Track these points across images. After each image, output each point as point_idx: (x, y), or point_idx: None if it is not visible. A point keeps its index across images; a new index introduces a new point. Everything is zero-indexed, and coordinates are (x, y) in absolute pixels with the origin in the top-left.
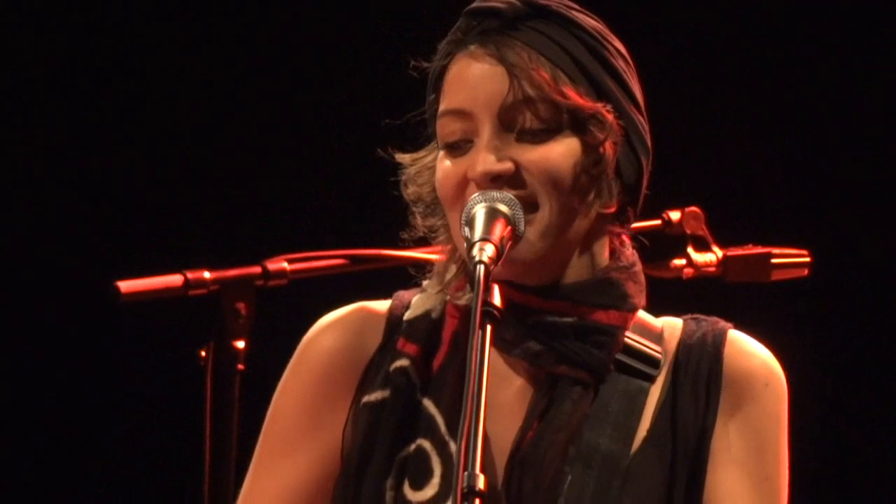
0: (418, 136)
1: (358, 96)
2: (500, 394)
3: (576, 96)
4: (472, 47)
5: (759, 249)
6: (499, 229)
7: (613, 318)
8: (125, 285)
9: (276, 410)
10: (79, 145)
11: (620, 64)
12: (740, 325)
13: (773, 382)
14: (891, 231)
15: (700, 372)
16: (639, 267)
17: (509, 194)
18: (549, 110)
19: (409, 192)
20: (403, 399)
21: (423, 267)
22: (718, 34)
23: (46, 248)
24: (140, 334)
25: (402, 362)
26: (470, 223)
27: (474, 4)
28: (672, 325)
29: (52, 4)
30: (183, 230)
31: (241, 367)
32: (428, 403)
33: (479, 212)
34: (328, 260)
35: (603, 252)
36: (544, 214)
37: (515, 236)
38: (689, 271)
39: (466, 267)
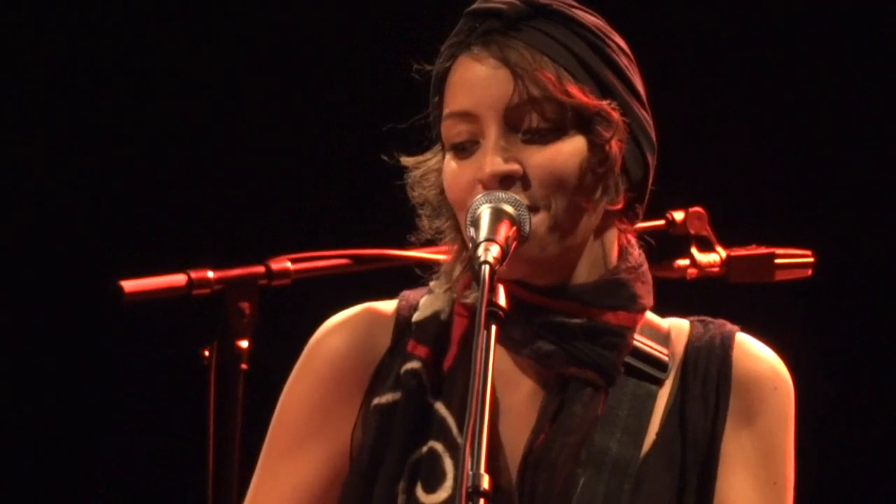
0: (423, 138)
1: (361, 97)
2: (509, 396)
3: (580, 95)
4: (474, 49)
5: (763, 250)
6: (504, 229)
7: (623, 319)
8: (129, 285)
9: (283, 411)
10: (82, 145)
11: (623, 60)
12: (744, 326)
13: (781, 386)
14: (894, 231)
15: (709, 375)
16: (646, 267)
17: (514, 195)
18: (553, 110)
19: (416, 194)
20: (415, 401)
21: (428, 267)
22: (721, 33)
23: (50, 247)
24: (143, 334)
25: (413, 364)
26: (475, 223)
27: (475, 5)
28: (679, 327)
29: (57, 3)
30: (187, 230)
31: (244, 366)
32: (439, 405)
33: (484, 212)
34: (331, 260)
35: (612, 251)
36: (552, 215)
37: (521, 237)
38: (692, 272)
39: (473, 266)
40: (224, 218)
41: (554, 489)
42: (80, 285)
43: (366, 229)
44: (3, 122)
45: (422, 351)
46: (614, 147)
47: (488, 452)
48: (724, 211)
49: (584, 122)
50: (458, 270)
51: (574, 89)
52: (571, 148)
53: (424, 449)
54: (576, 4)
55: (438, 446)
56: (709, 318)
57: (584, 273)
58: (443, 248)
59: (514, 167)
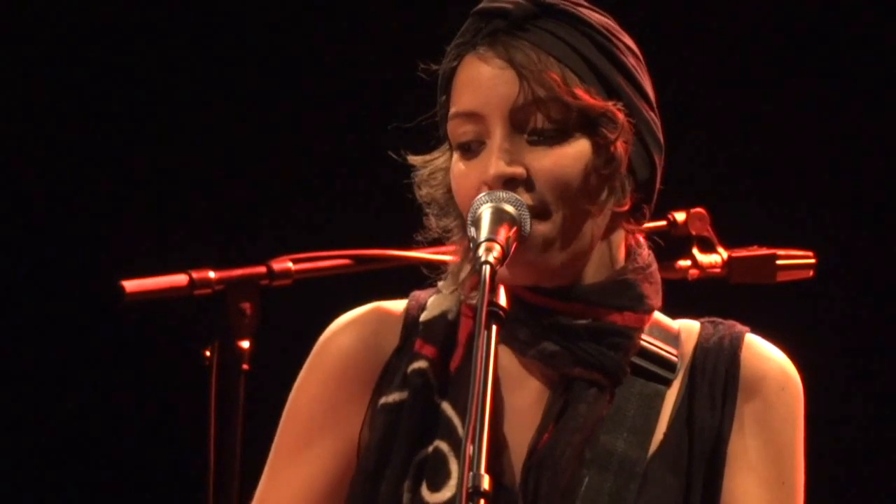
0: (429, 137)
1: (365, 96)
2: (515, 396)
3: (586, 96)
4: (480, 49)
5: (764, 251)
6: (504, 230)
7: (629, 319)
8: (130, 285)
9: (292, 409)
10: (84, 145)
11: (630, 60)
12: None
13: (789, 386)
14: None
15: (717, 376)
16: (655, 267)
17: (515, 195)
18: (559, 111)
19: (423, 193)
20: (421, 401)
21: (435, 267)
22: (725, 34)
23: (52, 247)
24: (145, 334)
25: (420, 364)
26: (476, 223)
27: (482, 5)
28: (689, 328)
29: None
30: (188, 230)
31: (245, 366)
32: (445, 405)
33: (485, 212)
34: (333, 260)
35: (619, 251)
36: (558, 219)
37: (521, 237)
38: (694, 272)
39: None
40: (226, 218)
41: (558, 488)
42: (81, 285)
43: (367, 229)
44: (6, 122)
45: (429, 350)
46: (619, 148)
47: (493, 452)
48: (725, 212)
49: (589, 123)
50: (465, 271)
51: (580, 90)
52: (577, 150)
53: (430, 448)
54: (583, 3)
55: (444, 446)
56: (719, 320)
57: (591, 274)
58: (446, 249)
59: (519, 170)
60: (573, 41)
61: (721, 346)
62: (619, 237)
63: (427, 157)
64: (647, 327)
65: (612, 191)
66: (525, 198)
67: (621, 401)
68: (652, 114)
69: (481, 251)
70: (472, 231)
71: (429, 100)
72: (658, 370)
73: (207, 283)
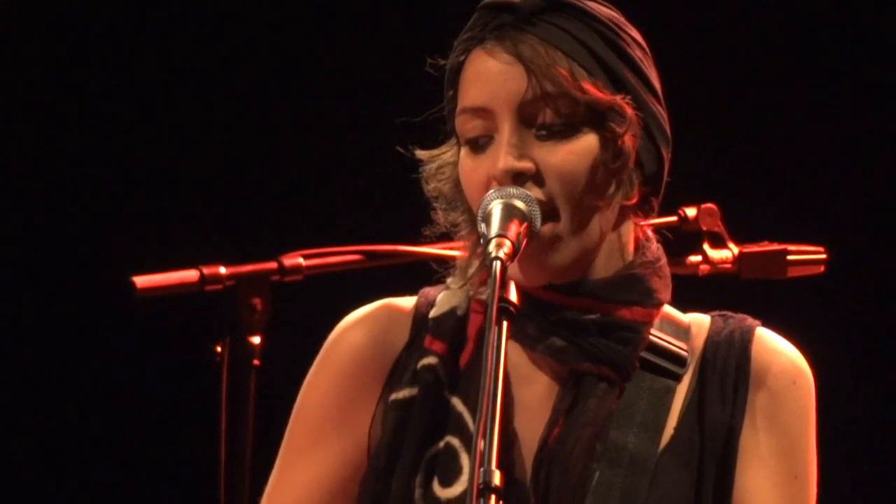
0: (437, 132)
1: (374, 92)
2: (524, 391)
3: (594, 90)
4: (488, 43)
5: (775, 246)
6: (515, 225)
7: (638, 314)
8: (141, 280)
9: (302, 406)
10: (94, 141)
11: (637, 53)
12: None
13: (800, 380)
14: None
15: (728, 370)
16: (664, 261)
17: (525, 191)
18: (567, 105)
19: (431, 187)
20: (432, 397)
21: (444, 263)
22: (735, 28)
23: (63, 243)
24: (155, 329)
25: (430, 360)
26: (486, 219)
27: None
28: (699, 322)
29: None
30: (199, 226)
31: (256, 362)
32: (456, 401)
33: (496, 208)
34: (344, 255)
35: (628, 245)
36: (567, 215)
37: (531, 232)
38: (704, 268)
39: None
40: (236, 214)
41: (569, 483)
42: (92, 281)
43: (378, 225)
44: (17, 119)
45: (438, 346)
46: (627, 142)
47: (503, 447)
48: (736, 207)
49: (597, 117)
50: (473, 266)
51: (588, 85)
52: (585, 145)
53: (441, 444)
54: None
55: (455, 441)
56: (730, 313)
57: (600, 268)
58: (456, 244)
59: (528, 165)
60: (580, 35)
61: (732, 340)
62: (628, 231)
63: (435, 152)
64: (656, 321)
65: (619, 184)
66: (534, 192)
67: (631, 396)
68: (659, 107)
69: (492, 247)
70: (483, 227)
71: (437, 95)
72: (668, 365)
73: (218, 278)
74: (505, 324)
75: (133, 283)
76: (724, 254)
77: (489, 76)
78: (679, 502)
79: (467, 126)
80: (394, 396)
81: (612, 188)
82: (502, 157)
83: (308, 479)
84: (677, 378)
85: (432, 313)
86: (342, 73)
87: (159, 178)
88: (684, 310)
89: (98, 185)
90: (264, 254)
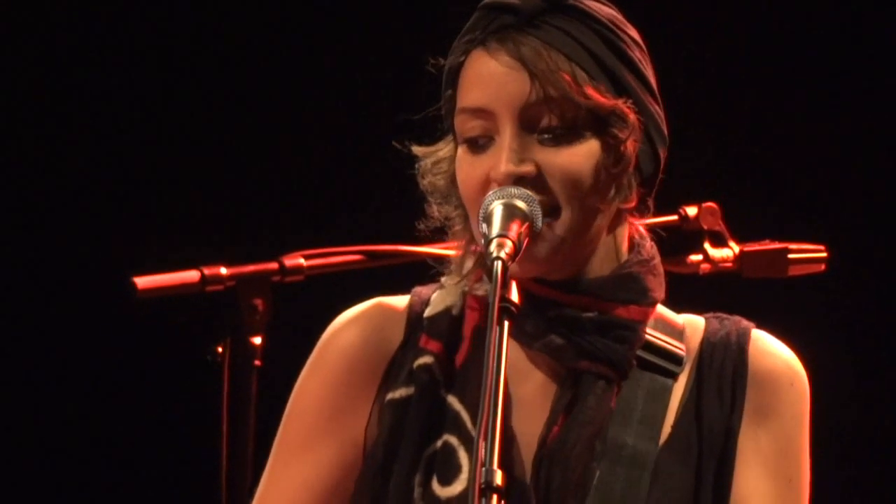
0: (435, 130)
1: (374, 91)
2: (521, 389)
3: (597, 95)
4: (490, 44)
5: (776, 245)
6: (516, 225)
7: (634, 312)
8: (142, 281)
9: (295, 406)
10: (95, 141)
11: (637, 54)
12: (759, 323)
13: (797, 383)
14: None
15: (725, 370)
16: (658, 260)
17: (527, 191)
18: (570, 110)
19: (426, 182)
20: (428, 396)
21: (441, 261)
22: (735, 27)
23: (63, 244)
24: (156, 330)
25: (426, 359)
26: (487, 219)
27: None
28: (694, 323)
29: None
30: (199, 226)
31: (257, 363)
32: (452, 400)
33: (497, 208)
34: (345, 256)
35: (623, 244)
36: (566, 218)
37: (533, 232)
38: (705, 267)
39: (483, 260)
40: (237, 214)
41: (570, 482)
42: (92, 281)
43: (379, 225)
44: (17, 119)
45: (434, 346)
46: (629, 147)
47: (501, 446)
48: (737, 206)
49: (598, 121)
50: (468, 263)
51: (590, 90)
52: (587, 150)
53: (439, 443)
54: None
55: (453, 440)
56: (724, 315)
57: (596, 267)
58: (456, 244)
59: (529, 169)
60: (582, 38)
61: (728, 342)
62: (624, 230)
63: (431, 149)
64: (651, 321)
65: (619, 188)
66: (535, 196)
67: (629, 395)
68: (657, 107)
69: (493, 247)
70: (484, 227)
71: (437, 94)
72: (665, 364)
73: (219, 279)
74: (507, 324)
75: (134, 284)
76: (725, 252)
77: (491, 78)
78: (679, 500)
79: (467, 126)
80: (390, 396)
81: (612, 192)
82: (504, 161)
83: (302, 479)
84: (674, 377)
85: (427, 312)
86: (342, 73)
87: (159, 178)
88: (680, 310)
89: (98, 185)
90: (265, 254)
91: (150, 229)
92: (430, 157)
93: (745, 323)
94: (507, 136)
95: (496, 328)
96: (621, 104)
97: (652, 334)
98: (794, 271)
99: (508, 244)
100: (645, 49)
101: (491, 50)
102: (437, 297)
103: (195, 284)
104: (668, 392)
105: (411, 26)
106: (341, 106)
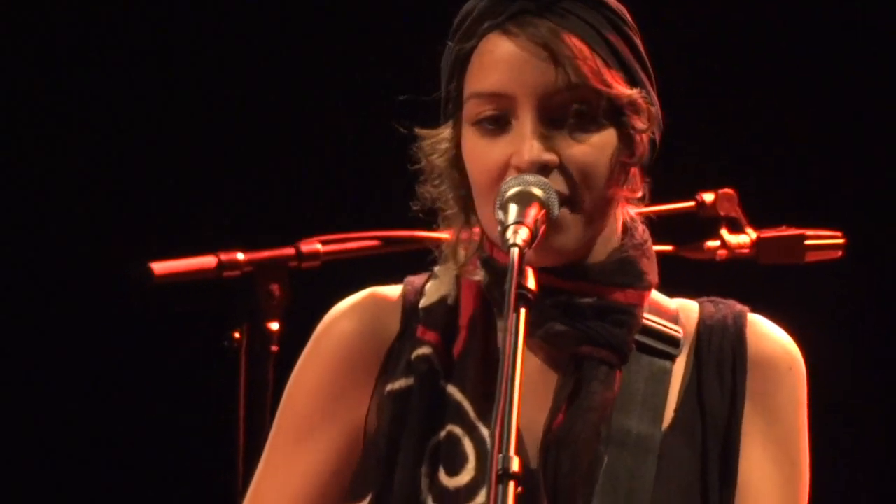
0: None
1: (389, 76)
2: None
3: (616, 84)
4: (510, 28)
5: (793, 231)
6: (533, 212)
7: (631, 296)
8: (158, 267)
9: (291, 396)
10: (111, 127)
11: (638, 41)
12: (761, 307)
13: (795, 367)
14: None
15: (724, 354)
16: (651, 244)
17: (544, 178)
18: (591, 98)
19: (424, 162)
20: (428, 386)
21: (431, 251)
22: (754, 11)
23: (80, 230)
24: (173, 316)
25: (424, 350)
26: (504, 206)
27: None
28: (687, 307)
29: None
30: (216, 211)
31: (274, 348)
32: (453, 390)
33: (514, 195)
34: (361, 241)
35: (618, 229)
36: (583, 207)
37: (549, 220)
38: (722, 253)
39: (479, 248)
40: (253, 199)
41: (579, 468)
42: (110, 268)
43: (394, 210)
44: (31, 108)
45: (431, 336)
46: (644, 138)
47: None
48: (753, 192)
49: (615, 111)
50: (462, 251)
51: (610, 78)
52: (605, 139)
53: (443, 433)
54: None
55: (457, 429)
56: (719, 299)
57: (595, 252)
58: (472, 231)
59: (553, 157)
60: (598, 25)
61: (725, 325)
62: (619, 214)
63: (434, 131)
64: (646, 305)
65: (627, 178)
66: (554, 183)
67: (629, 379)
68: (654, 94)
69: (509, 233)
70: (501, 214)
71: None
72: (662, 346)
73: (236, 264)
74: (523, 311)
75: (151, 270)
76: (742, 239)
77: (512, 62)
78: (686, 482)
79: (479, 108)
80: (389, 387)
81: (622, 181)
82: (528, 146)
83: (298, 472)
84: (672, 359)
85: (422, 303)
86: (352, 58)
87: (177, 164)
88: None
89: (115, 171)
90: (282, 239)
91: (167, 215)
92: (432, 137)
93: (739, 307)
94: (527, 121)
95: (513, 315)
96: (637, 95)
97: (648, 318)
98: (811, 257)
99: (525, 231)
100: (638, 32)
101: (510, 34)
102: (432, 287)
103: (212, 270)
104: (667, 375)
105: (423, 10)
106: (359, 91)
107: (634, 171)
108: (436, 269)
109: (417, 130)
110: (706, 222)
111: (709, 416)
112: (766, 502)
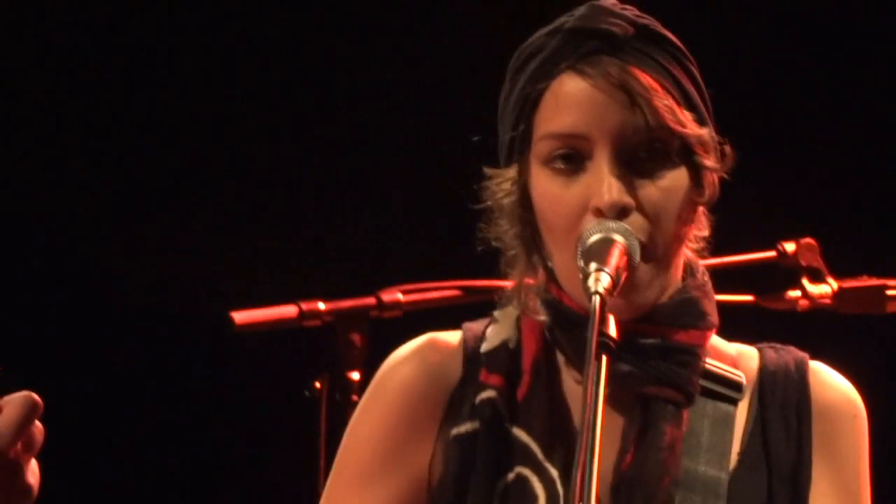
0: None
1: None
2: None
3: (689, 123)
4: (583, 68)
5: (874, 281)
6: (615, 259)
7: (694, 337)
8: (240, 316)
9: (352, 443)
10: (198, 177)
11: (699, 75)
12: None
13: (859, 416)
14: None
15: (788, 400)
16: (710, 285)
17: (625, 225)
18: (665, 138)
19: (489, 201)
20: (494, 429)
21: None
22: (837, 58)
23: (163, 279)
24: (254, 365)
25: (489, 393)
26: (586, 253)
27: (576, 23)
28: (747, 352)
29: None
30: (297, 261)
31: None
32: (519, 433)
33: (596, 241)
34: (442, 291)
35: (680, 269)
36: (660, 251)
37: (631, 266)
38: (804, 303)
39: (544, 289)
40: (335, 249)
41: None
42: (191, 316)
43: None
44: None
45: (495, 380)
46: (714, 177)
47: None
48: (833, 241)
49: (687, 151)
50: (525, 292)
51: (682, 117)
52: (678, 180)
53: (511, 475)
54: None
55: (526, 471)
56: (778, 344)
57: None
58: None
59: (631, 200)
60: (668, 65)
61: (788, 371)
62: (682, 254)
63: (500, 171)
64: (707, 345)
65: (697, 218)
66: (632, 226)
67: (694, 422)
68: (714, 130)
69: (591, 281)
70: (582, 261)
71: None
72: (725, 391)
73: (317, 314)
74: (604, 359)
75: (231, 319)
76: (823, 289)
77: (589, 102)
78: None
79: (552, 147)
80: (455, 431)
81: (691, 220)
82: (607, 188)
83: None
84: (735, 403)
85: (483, 347)
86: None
87: (259, 214)
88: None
89: (197, 220)
90: (363, 289)
91: (249, 264)
92: (498, 177)
93: (800, 353)
94: (604, 162)
95: (594, 363)
96: (707, 135)
97: (710, 363)
98: (891, 308)
99: (606, 278)
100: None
101: (584, 74)
102: (493, 332)
103: (293, 319)
104: (731, 419)
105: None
106: (441, 140)
107: (701, 210)
108: (495, 313)
109: (485, 170)
110: (785, 272)
111: (774, 461)
112: None
